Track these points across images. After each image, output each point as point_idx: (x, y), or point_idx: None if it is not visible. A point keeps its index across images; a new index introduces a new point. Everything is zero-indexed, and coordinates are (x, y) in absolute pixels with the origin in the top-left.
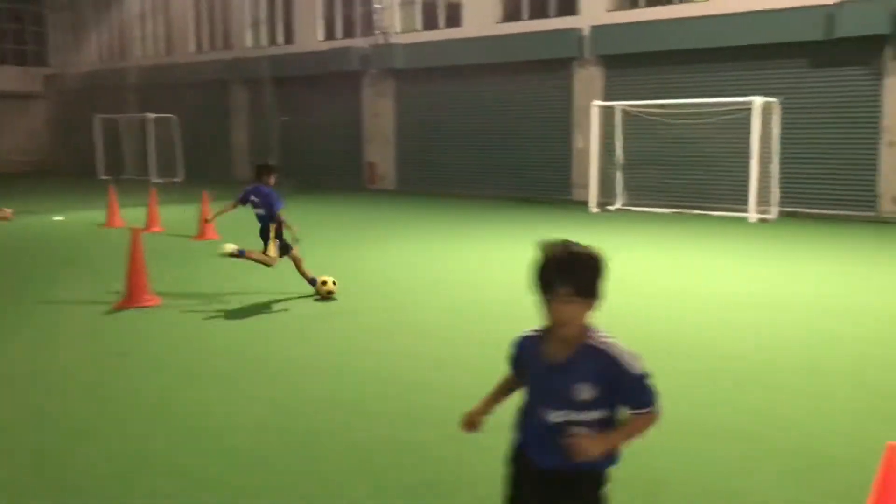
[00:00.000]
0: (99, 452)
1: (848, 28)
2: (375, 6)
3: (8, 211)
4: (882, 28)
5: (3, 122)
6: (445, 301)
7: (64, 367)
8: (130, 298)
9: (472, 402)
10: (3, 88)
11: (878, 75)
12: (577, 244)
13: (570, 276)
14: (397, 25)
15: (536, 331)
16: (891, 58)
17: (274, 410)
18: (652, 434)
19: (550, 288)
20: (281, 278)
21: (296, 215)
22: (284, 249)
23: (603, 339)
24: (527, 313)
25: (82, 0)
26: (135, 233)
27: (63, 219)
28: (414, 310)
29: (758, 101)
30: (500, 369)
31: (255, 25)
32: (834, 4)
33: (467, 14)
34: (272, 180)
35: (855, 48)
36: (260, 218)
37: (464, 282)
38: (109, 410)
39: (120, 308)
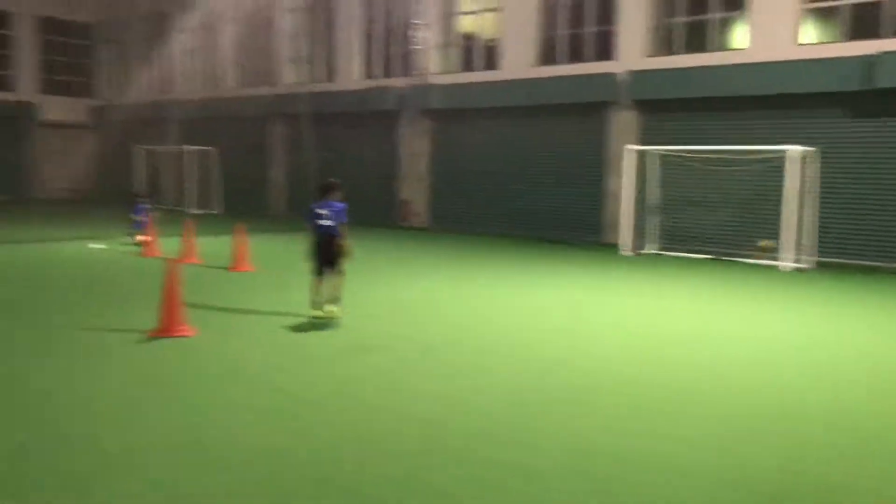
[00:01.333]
0: (124, 483)
1: (888, 79)
2: (414, 47)
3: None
4: None
5: (51, 151)
6: (475, 341)
7: (96, 393)
8: (165, 328)
9: (489, 444)
10: (53, 119)
11: None
12: None
13: None
14: (435, 66)
15: None
16: None
17: (305, 443)
18: None
19: None
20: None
21: None
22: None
23: None
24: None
25: (130, 35)
26: (171, 263)
27: (104, 247)
28: (444, 349)
29: (795, 149)
30: (505, 409)
31: (296, 63)
32: (874, 55)
33: (504, 57)
34: (339, 195)
35: (895, 99)
36: (322, 231)
37: (492, 321)
38: (137, 440)
39: (155, 337)
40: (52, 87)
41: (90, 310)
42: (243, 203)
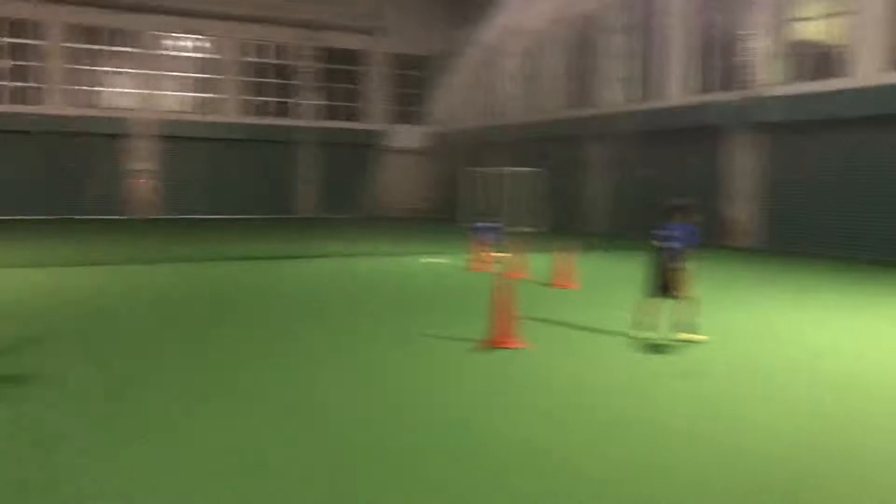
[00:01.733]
0: (481, 487)
1: None
2: (743, 59)
3: None
4: None
5: (398, 174)
6: (824, 375)
7: (446, 399)
8: (495, 339)
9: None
10: (396, 145)
11: None
12: None
13: None
14: (768, 77)
15: None
16: None
17: (631, 471)
18: None
19: None
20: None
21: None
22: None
23: None
24: None
25: (464, 65)
26: (501, 278)
27: (441, 261)
28: (782, 378)
29: None
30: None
31: (618, 82)
32: None
33: (848, 63)
34: (691, 217)
35: None
36: (664, 253)
37: (840, 354)
38: (476, 448)
39: (488, 347)
40: (396, 116)
41: (431, 318)
42: (566, 221)
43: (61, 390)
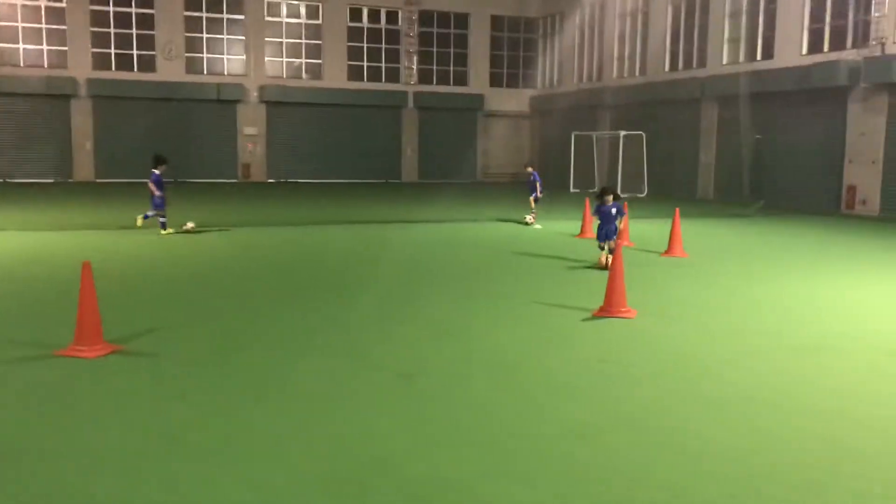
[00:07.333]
0: (583, 453)
1: None
2: (874, 14)
3: (190, 224)
4: None
5: (498, 138)
6: None
7: (556, 366)
8: (608, 308)
9: None
10: (499, 109)
11: None
12: None
13: None
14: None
15: None
16: None
17: (760, 441)
18: None
19: None
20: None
21: (760, 240)
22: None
23: None
24: None
25: (569, 25)
26: (613, 249)
27: (540, 227)
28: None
29: None
30: None
31: (733, 42)
32: None
33: None
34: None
35: None
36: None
37: None
38: (589, 413)
39: (598, 316)
40: (498, 79)
41: (544, 287)
42: (670, 187)
43: (188, 343)
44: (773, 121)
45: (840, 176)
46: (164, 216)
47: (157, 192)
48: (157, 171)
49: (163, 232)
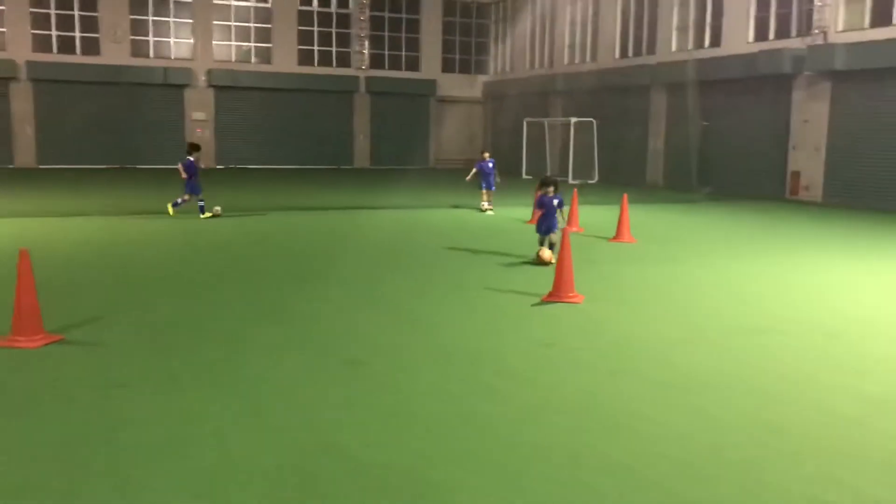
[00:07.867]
0: (528, 435)
1: None
2: (817, 3)
3: (217, 208)
4: None
5: (450, 124)
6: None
7: (498, 350)
8: (557, 293)
9: None
10: (452, 94)
11: None
12: None
13: None
14: (839, 23)
15: None
16: None
17: (701, 422)
18: None
19: None
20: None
21: (707, 224)
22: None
23: None
24: None
25: (520, 12)
26: (562, 233)
27: (493, 213)
28: (850, 338)
29: None
30: None
31: (681, 29)
32: None
33: None
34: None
35: None
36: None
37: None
38: (537, 396)
39: (548, 301)
40: (450, 65)
41: (491, 272)
42: (620, 172)
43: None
44: (720, 108)
45: (784, 162)
46: (202, 200)
47: (184, 176)
48: (191, 158)
49: (202, 216)
